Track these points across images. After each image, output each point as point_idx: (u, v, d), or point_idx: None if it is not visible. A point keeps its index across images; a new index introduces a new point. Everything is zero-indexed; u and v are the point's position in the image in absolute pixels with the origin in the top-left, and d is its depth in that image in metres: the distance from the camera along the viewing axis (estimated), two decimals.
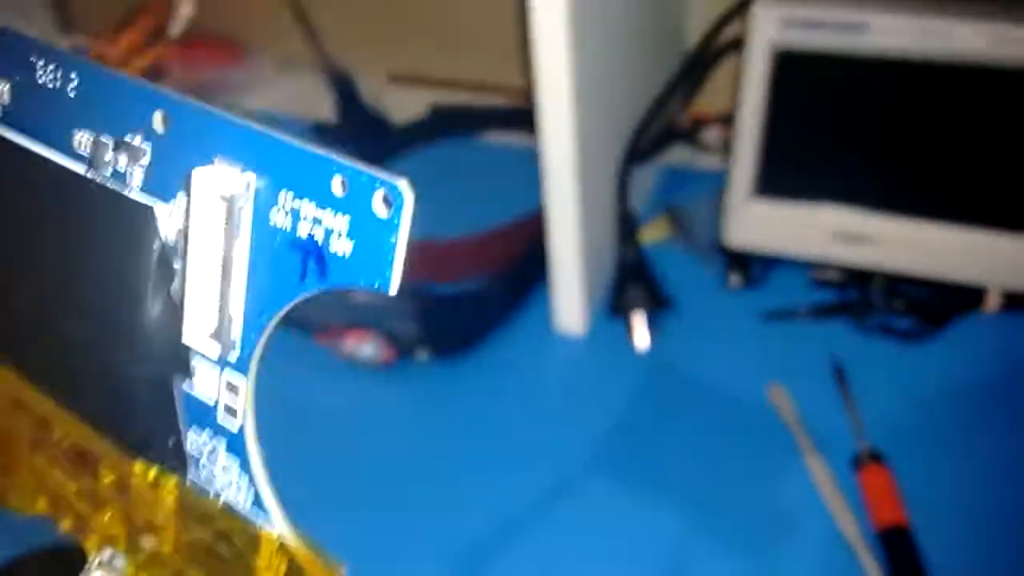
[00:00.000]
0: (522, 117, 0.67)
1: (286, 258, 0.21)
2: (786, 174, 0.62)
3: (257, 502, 0.24)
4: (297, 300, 0.22)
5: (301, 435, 0.51)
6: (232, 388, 0.23)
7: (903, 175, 0.58)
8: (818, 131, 0.60)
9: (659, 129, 0.68)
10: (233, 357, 0.23)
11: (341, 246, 0.20)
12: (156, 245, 0.23)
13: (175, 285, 0.23)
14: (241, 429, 0.23)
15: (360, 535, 0.41)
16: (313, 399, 0.58)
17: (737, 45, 0.62)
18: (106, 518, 0.28)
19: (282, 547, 0.23)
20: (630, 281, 0.62)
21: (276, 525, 0.24)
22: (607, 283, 0.64)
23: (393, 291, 0.20)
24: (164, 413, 0.25)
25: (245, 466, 0.24)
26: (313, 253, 0.21)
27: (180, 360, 0.24)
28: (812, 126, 0.61)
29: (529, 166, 0.59)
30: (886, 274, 0.60)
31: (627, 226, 0.63)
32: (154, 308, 0.24)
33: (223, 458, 0.24)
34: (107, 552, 0.28)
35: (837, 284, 0.63)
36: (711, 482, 0.52)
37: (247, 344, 0.23)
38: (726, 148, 0.69)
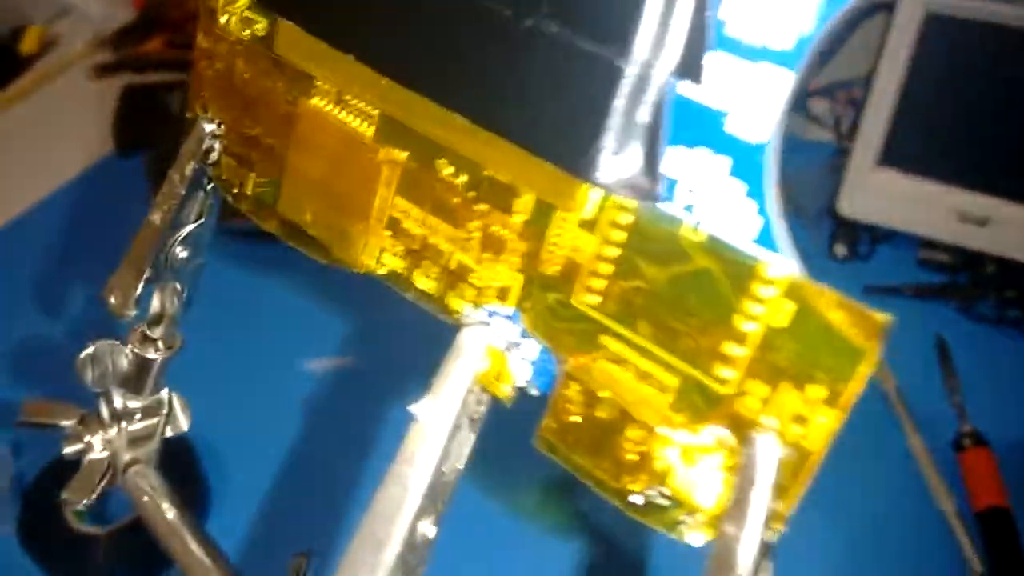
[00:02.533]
0: None
1: None
2: (914, 146, 0.61)
3: (766, 236, 0.19)
4: None
5: None
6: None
7: None
8: (954, 105, 0.59)
9: None
10: None
11: None
12: None
13: None
14: (767, 142, 0.19)
15: None
16: None
17: (880, 8, 0.61)
18: (497, 267, 0.23)
19: (796, 288, 0.19)
20: None
21: (785, 265, 0.19)
22: None
23: None
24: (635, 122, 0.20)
25: (757, 191, 0.19)
26: None
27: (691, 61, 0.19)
28: (949, 99, 0.59)
29: None
30: (1000, 260, 0.59)
31: None
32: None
33: (725, 181, 0.19)
34: (485, 309, 0.23)
35: (946, 266, 0.61)
36: None
37: None
38: (836, 121, 0.68)
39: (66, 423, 0.37)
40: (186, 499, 0.52)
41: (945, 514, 0.49)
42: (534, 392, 0.24)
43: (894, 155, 0.60)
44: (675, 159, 0.20)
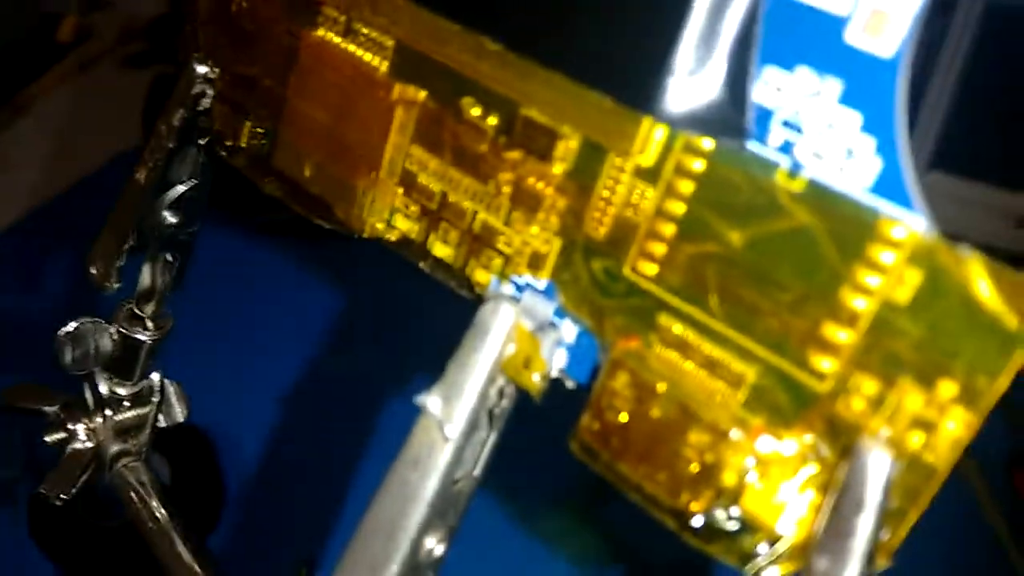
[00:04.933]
0: None
1: None
2: (969, 149, 0.55)
3: (886, 183, 0.14)
4: None
5: None
6: None
7: None
8: (1012, 106, 0.54)
9: None
10: None
11: None
12: None
13: None
14: (898, 56, 0.14)
15: None
16: None
17: None
18: (530, 229, 0.18)
19: (927, 252, 0.14)
20: None
21: (912, 222, 0.14)
22: None
23: None
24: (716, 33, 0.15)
25: (877, 122, 0.14)
26: None
27: None
28: (1007, 99, 0.54)
29: None
30: None
31: None
32: None
33: (834, 111, 0.14)
34: (520, 280, 0.18)
35: None
36: None
37: None
38: None
39: (48, 409, 0.33)
40: (202, 492, 0.47)
41: (996, 531, 0.44)
42: (570, 384, 0.19)
43: (947, 157, 0.54)
44: (769, 83, 0.15)
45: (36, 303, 0.58)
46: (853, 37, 0.14)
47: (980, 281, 0.13)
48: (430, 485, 0.18)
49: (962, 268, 0.14)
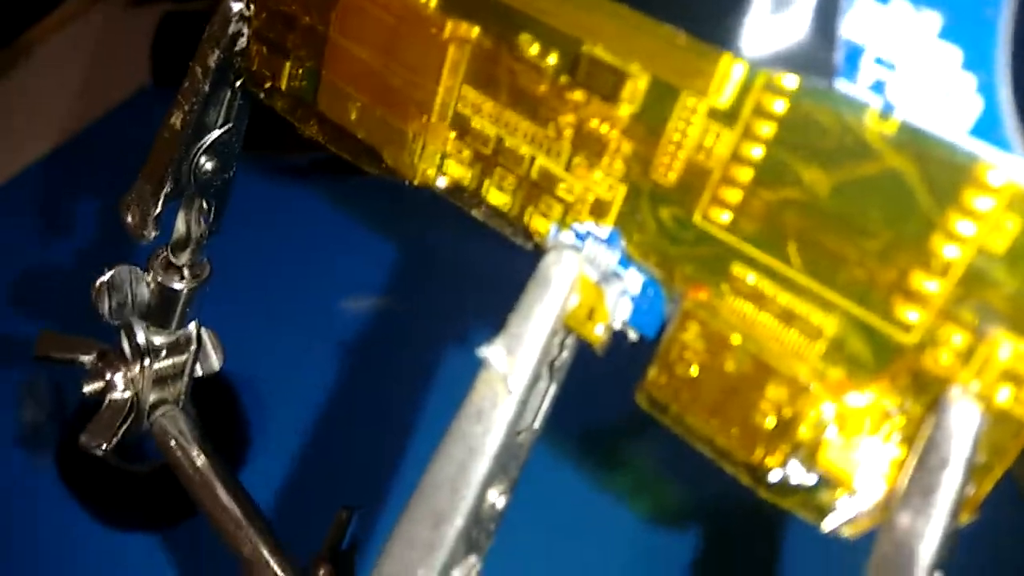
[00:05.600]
0: None
1: None
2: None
3: (987, 124, 0.13)
4: None
5: None
6: None
7: None
8: None
9: None
10: None
11: None
12: None
13: None
14: None
15: None
16: None
17: None
18: (593, 174, 0.17)
19: (1022, 198, 0.13)
20: None
21: (1013, 165, 0.13)
22: None
23: None
24: None
25: (979, 60, 0.13)
26: None
27: None
28: None
29: None
30: None
31: None
32: None
33: (932, 47, 0.14)
34: (583, 228, 0.17)
35: None
36: None
37: None
38: None
39: (85, 358, 0.33)
40: (224, 439, 0.47)
41: None
42: (632, 336, 0.18)
43: None
44: (861, 16, 0.14)
45: (55, 250, 0.58)
46: None
47: None
48: (494, 438, 0.18)
49: None
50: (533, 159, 0.18)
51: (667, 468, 0.41)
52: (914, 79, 0.14)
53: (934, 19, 0.13)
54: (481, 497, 0.18)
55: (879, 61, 0.14)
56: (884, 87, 0.14)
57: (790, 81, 0.15)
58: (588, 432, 0.43)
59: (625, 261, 0.17)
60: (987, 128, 0.13)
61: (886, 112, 0.14)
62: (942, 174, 0.14)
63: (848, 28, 0.14)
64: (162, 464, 0.50)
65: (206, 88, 0.23)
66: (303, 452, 0.46)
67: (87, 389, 0.31)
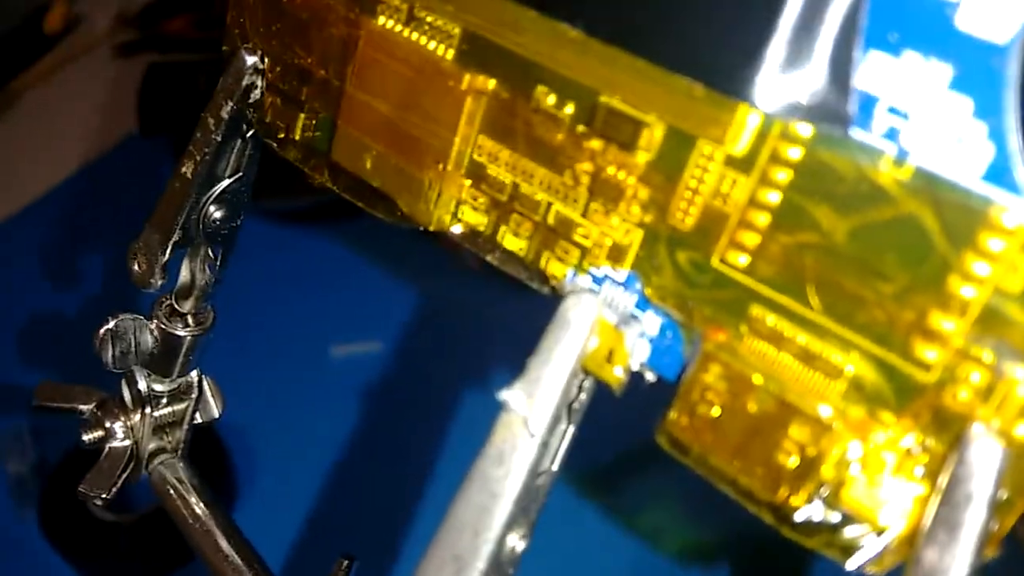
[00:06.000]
0: None
1: None
2: None
3: (998, 169, 0.14)
4: None
5: None
6: None
7: None
8: None
9: None
10: None
11: None
12: None
13: None
14: (1014, 40, 0.13)
15: None
16: None
17: None
18: (611, 220, 0.18)
19: None
20: None
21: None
22: None
23: None
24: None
25: (989, 108, 0.14)
26: None
27: None
28: None
29: None
30: None
31: None
32: None
33: (943, 97, 0.14)
34: (591, 274, 0.17)
35: None
36: None
37: None
38: None
39: (84, 407, 0.33)
40: (214, 487, 0.47)
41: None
42: (650, 377, 0.18)
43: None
44: (874, 68, 0.15)
45: (42, 299, 0.58)
46: (964, 23, 0.14)
47: None
48: (514, 482, 0.18)
49: None
50: (550, 205, 0.19)
51: (689, 508, 0.41)
52: (927, 127, 0.14)
53: (945, 70, 0.14)
54: (502, 541, 0.18)
55: (892, 110, 0.14)
56: (898, 135, 0.14)
57: (805, 129, 0.15)
58: (609, 472, 0.43)
59: (643, 304, 0.18)
60: (999, 173, 0.14)
61: (900, 159, 0.14)
62: (957, 217, 0.14)
63: (861, 79, 0.15)
64: (146, 514, 0.49)
65: (218, 139, 0.23)
66: (299, 500, 0.46)
67: (86, 438, 0.31)
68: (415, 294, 0.52)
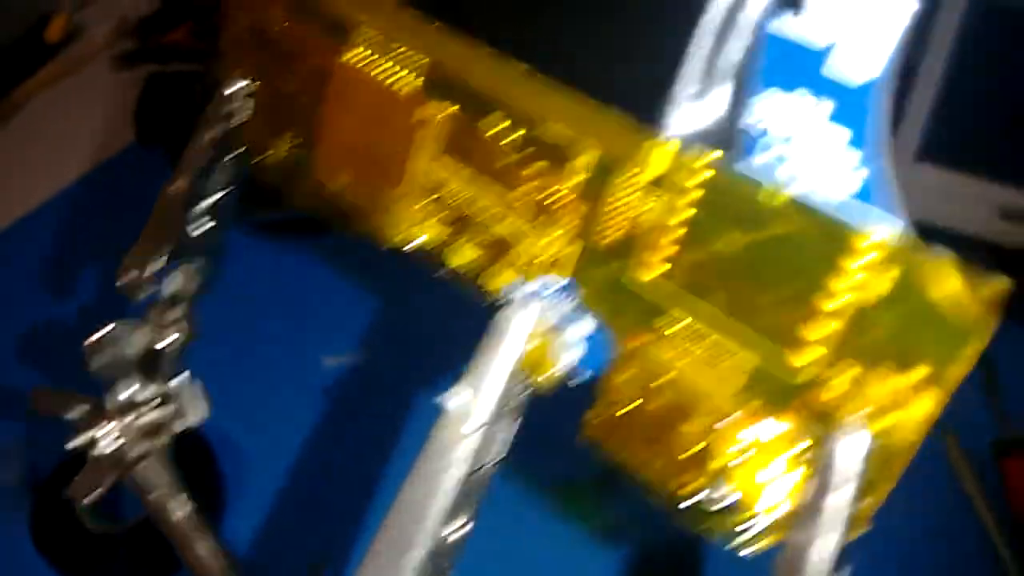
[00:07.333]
0: None
1: None
2: (955, 140, 0.57)
3: (869, 190, 0.16)
4: None
5: None
6: None
7: None
8: (998, 98, 0.56)
9: None
10: None
11: None
12: None
13: None
14: (876, 81, 0.16)
15: None
16: None
17: None
18: (552, 232, 0.20)
19: (897, 256, 0.16)
20: None
21: (886, 226, 0.16)
22: None
23: None
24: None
25: (863, 136, 0.16)
26: None
27: None
28: (993, 91, 0.56)
29: None
30: None
31: None
32: None
33: (823, 128, 0.17)
34: (540, 281, 0.20)
35: (988, 264, 0.57)
36: None
37: None
38: None
39: (73, 414, 0.35)
40: (201, 496, 0.49)
41: (983, 522, 0.45)
42: (584, 377, 0.21)
43: (934, 150, 0.56)
44: (767, 104, 0.17)
45: (41, 307, 0.60)
46: (836, 65, 0.16)
47: (941, 279, 0.16)
48: (453, 476, 0.20)
49: (928, 268, 0.16)
50: (501, 220, 0.21)
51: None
52: (811, 154, 0.17)
53: (827, 105, 0.17)
54: (441, 529, 0.20)
55: (784, 139, 0.17)
56: (785, 161, 0.17)
57: (709, 156, 0.18)
58: (562, 479, 0.45)
59: (578, 309, 0.20)
60: (869, 193, 0.16)
61: (779, 186, 0.17)
62: (828, 237, 0.17)
63: (756, 113, 0.17)
64: (136, 524, 0.51)
65: (209, 155, 0.26)
66: (278, 508, 0.47)
67: (73, 443, 0.33)
68: (397, 306, 0.54)
